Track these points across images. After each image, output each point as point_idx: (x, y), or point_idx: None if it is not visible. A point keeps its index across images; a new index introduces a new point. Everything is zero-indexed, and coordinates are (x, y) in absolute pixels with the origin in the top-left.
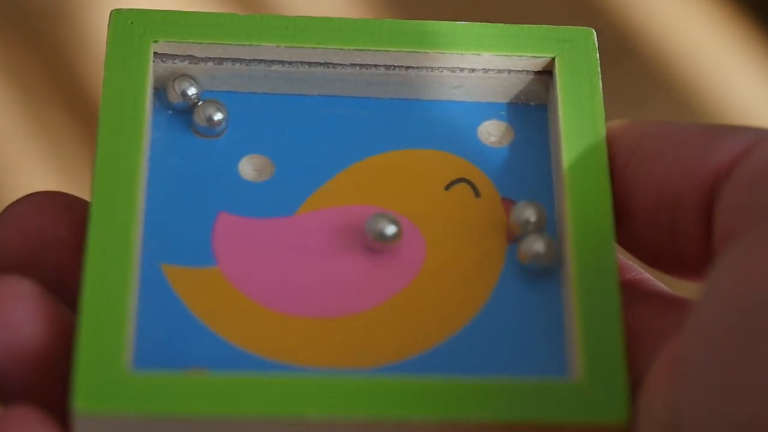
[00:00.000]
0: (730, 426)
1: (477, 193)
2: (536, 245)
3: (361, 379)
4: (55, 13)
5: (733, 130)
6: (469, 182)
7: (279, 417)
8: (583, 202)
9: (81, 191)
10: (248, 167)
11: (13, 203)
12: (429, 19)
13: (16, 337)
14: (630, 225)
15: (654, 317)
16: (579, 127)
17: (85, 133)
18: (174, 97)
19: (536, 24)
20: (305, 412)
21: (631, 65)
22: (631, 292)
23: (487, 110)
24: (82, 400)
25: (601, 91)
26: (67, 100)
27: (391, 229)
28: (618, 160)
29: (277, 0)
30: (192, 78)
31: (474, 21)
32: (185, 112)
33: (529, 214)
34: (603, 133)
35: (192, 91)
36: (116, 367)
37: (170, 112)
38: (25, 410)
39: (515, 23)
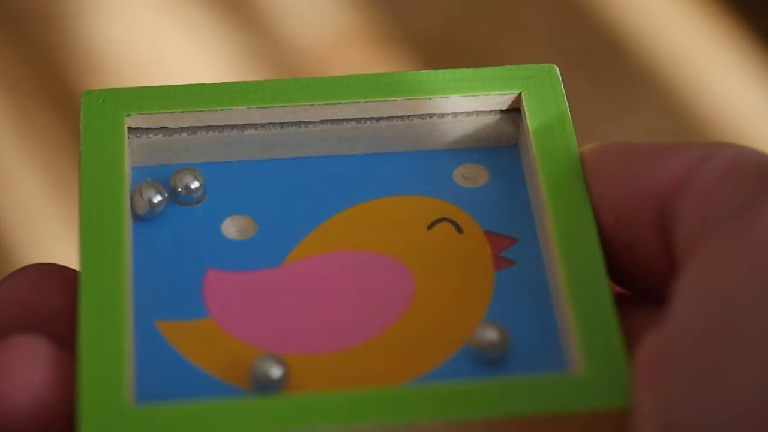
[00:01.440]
0: (714, 426)
1: (459, 230)
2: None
3: (369, 391)
4: (42, 13)
5: (683, 147)
6: (450, 220)
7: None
8: (566, 221)
9: (68, 191)
10: (231, 228)
11: (8, 277)
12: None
13: (35, 397)
14: None
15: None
16: (553, 155)
17: (72, 134)
18: (141, 208)
19: (532, 31)
20: (317, 427)
21: (623, 68)
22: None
23: (460, 156)
24: None
25: (570, 120)
26: (54, 101)
27: (276, 373)
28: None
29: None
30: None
31: (467, 20)
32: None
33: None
34: (577, 158)
35: (157, 198)
36: (119, 404)
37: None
38: None
39: (511, 29)
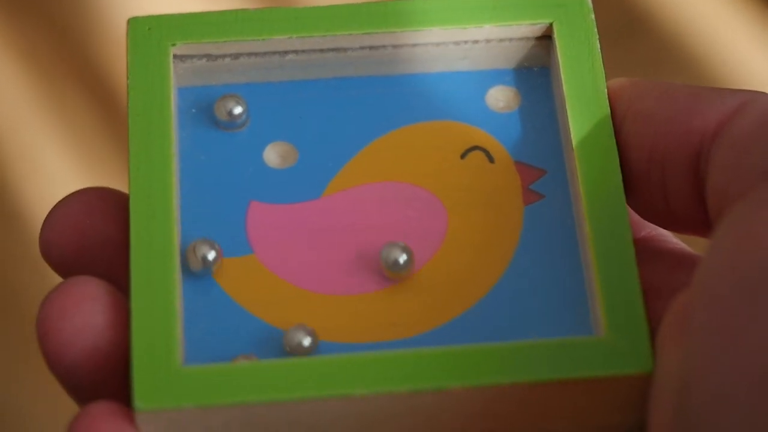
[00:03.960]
0: (733, 384)
1: (491, 159)
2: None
3: (402, 354)
4: None
5: (720, 92)
6: (483, 149)
7: (327, 397)
8: (591, 162)
9: (99, 172)
10: (273, 155)
11: (62, 201)
12: None
13: (94, 340)
14: (625, 182)
15: (667, 273)
16: (581, 88)
17: (103, 115)
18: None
19: None
20: (353, 391)
21: (649, 44)
22: (645, 249)
23: (493, 77)
24: (141, 399)
25: (599, 51)
26: (85, 82)
27: (403, 257)
28: (615, 118)
29: None
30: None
31: None
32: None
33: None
34: (605, 91)
35: (238, 110)
36: (169, 364)
37: (194, 110)
38: (104, 405)
39: None
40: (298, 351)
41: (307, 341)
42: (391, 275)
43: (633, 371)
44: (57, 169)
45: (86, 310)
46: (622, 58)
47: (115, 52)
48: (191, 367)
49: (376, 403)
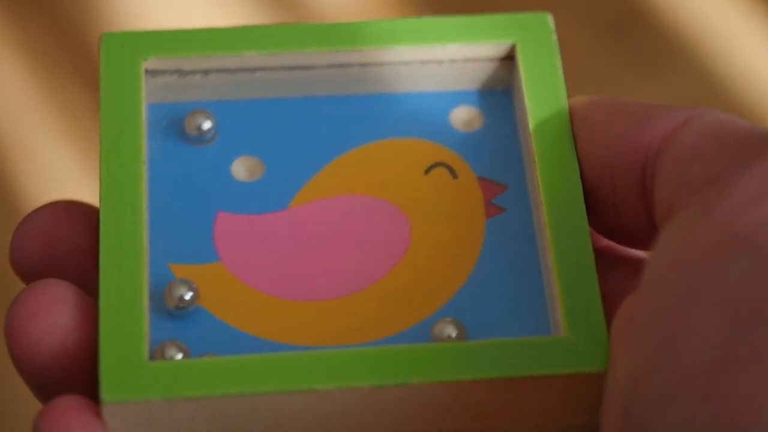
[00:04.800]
0: (673, 377)
1: (454, 175)
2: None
3: (364, 350)
4: None
5: (669, 109)
6: (446, 165)
7: (290, 391)
8: (553, 176)
9: (97, 162)
10: (240, 169)
11: (32, 213)
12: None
13: (61, 341)
14: None
15: (626, 279)
16: (543, 108)
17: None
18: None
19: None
20: (315, 385)
21: (648, 36)
22: (606, 257)
23: (457, 97)
24: (107, 392)
25: (561, 70)
26: (85, 76)
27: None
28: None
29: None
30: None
31: None
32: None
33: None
34: (566, 111)
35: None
36: (135, 359)
37: (164, 124)
38: (71, 398)
39: (537, 4)
40: (181, 305)
41: (188, 295)
42: None
43: (591, 369)
44: (59, 167)
45: (55, 311)
46: (618, 52)
47: None
48: (157, 362)
49: (339, 398)
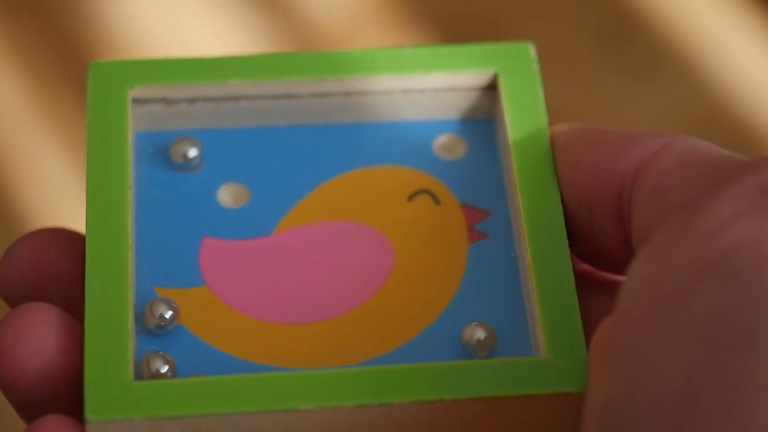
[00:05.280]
0: (643, 403)
1: (437, 202)
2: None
3: (347, 371)
4: None
5: (645, 136)
6: (429, 192)
7: (274, 411)
8: (535, 202)
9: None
10: (226, 195)
11: (19, 240)
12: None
13: (47, 363)
14: None
15: (605, 303)
16: (525, 137)
17: None
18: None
19: (551, 5)
20: (298, 405)
21: (641, 42)
22: (587, 281)
23: (440, 126)
24: (92, 411)
25: (543, 99)
26: (78, 81)
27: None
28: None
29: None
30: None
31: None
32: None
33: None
34: (548, 139)
35: (193, 152)
36: (120, 379)
37: (150, 151)
38: (55, 418)
39: (530, 3)
40: (161, 323)
41: (168, 314)
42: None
43: (571, 389)
44: (52, 172)
45: (40, 334)
46: (611, 58)
47: (112, 53)
48: (141, 382)
49: (322, 417)
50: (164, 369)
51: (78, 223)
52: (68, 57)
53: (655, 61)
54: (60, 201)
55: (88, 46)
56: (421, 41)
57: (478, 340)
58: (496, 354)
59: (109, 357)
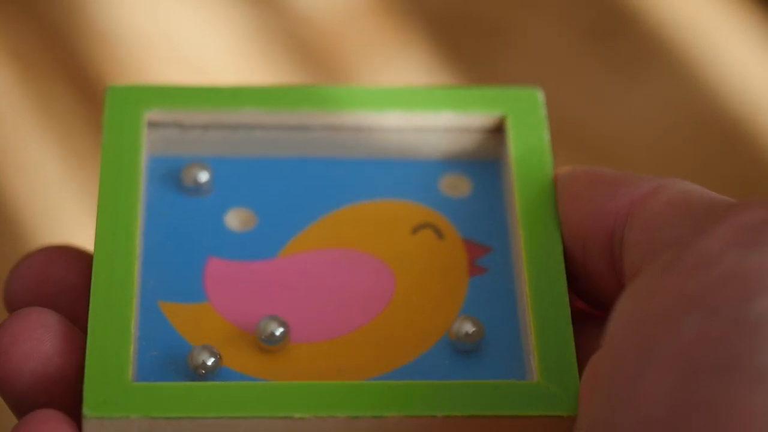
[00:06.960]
0: (630, 427)
1: (440, 236)
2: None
3: (343, 384)
4: None
5: (639, 178)
6: (432, 226)
7: (268, 417)
8: (536, 239)
9: (86, 173)
10: (234, 219)
11: (28, 255)
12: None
13: (42, 365)
14: None
15: (600, 338)
16: (530, 181)
17: (88, 112)
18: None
19: (544, 2)
20: (293, 413)
21: (633, 39)
22: (584, 317)
23: (447, 165)
24: (89, 408)
25: (549, 143)
26: (70, 79)
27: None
28: None
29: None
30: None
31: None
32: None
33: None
34: (551, 181)
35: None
36: (119, 380)
37: (162, 174)
38: (48, 412)
39: (523, 0)
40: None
41: (210, 361)
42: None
43: (561, 413)
44: (45, 171)
45: (36, 336)
46: (602, 55)
47: (104, 52)
48: (140, 383)
49: (316, 426)
50: (210, 361)
51: (69, 218)
52: (60, 53)
53: (646, 57)
54: (57, 205)
55: (80, 42)
56: (412, 38)
57: (466, 334)
58: (484, 356)
59: (110, 358)
